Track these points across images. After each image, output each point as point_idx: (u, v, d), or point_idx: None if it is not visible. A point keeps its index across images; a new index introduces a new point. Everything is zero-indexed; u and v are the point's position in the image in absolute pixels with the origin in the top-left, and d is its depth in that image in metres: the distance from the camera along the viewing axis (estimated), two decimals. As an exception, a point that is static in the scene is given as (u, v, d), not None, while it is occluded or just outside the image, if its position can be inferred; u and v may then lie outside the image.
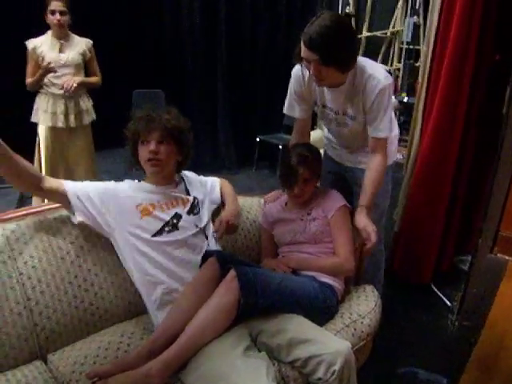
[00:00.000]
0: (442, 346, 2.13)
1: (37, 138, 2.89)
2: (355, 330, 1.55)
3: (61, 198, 1.46)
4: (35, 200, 2.84)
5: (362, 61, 1.66)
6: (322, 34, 1.44)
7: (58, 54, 2.73)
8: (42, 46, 2.73)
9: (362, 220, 1.62)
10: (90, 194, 1.48)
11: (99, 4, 4.55)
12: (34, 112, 2.84)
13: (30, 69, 2.76)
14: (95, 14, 4.55)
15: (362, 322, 1.58)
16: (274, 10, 4.60)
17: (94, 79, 2.95)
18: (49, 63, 2.63)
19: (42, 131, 2.86)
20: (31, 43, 2.72)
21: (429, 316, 2.37)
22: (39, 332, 1.39)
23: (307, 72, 1.66)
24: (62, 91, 2.74)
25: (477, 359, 1.43)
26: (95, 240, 1.54)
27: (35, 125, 2.85)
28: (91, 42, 2.92)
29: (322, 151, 1.89)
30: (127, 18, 4.77)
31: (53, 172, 2.84)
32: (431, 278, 2.58)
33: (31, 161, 3.06)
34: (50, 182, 1.45)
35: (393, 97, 1.78)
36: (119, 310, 1.54)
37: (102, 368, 1.22)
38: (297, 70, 1.77)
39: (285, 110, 1.89)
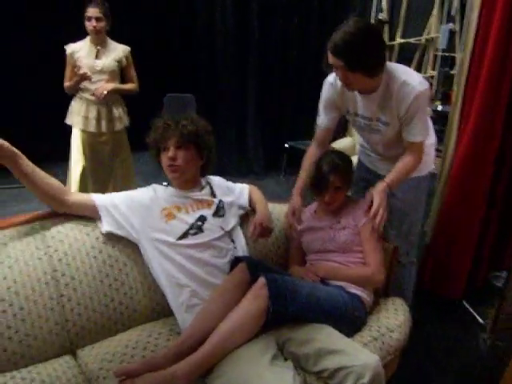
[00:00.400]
0: (472, 365, 2.06)
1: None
2: (383, 343, 1.52)
3: (89, 211, 1.52)
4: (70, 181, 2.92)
5: (395, 67, 1.66)
6: (346, 41, 1.47)
7: (93, 60, 2.76)
8: (80, 51, 2.77)
9: (376, 191, 1.58)
10: (117, 202, 1.53)
11: (132, 9, 4.67)
12: (68, 114, 2.89)
13: (67, 73, 2.81)
14: (128, 19, 4.67)
15: (390, 336, 1.55)
16: (306, 16, 4.60)
17: (129, 86, 2.95)
18: (84, 73, 2.66)
19: (74, 133, 2.90)
20: (70, 48, 2.77)
21: (459, 333, 2.29)
22: (70, 328, 1.43)
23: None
24: (94, 97, 2.77)
25: (509, 380, 1.38)
26: (126, 241, 1.57)
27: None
28: (129, 48, 2.92)
29: (355, 158, 1.88)
30: (160, 23, 4.88)
31: (83, 176, 2.87)
32: (463, 293, 2.50)
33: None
34: (76, 196, 1.53)
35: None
36: (147, 310, 1.57)
37: (129, 367, 1.24)
38: (330, 78, 1.78)
39: (319, 122, 1.91)
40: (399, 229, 1.93)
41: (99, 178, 2.95)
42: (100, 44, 2.79)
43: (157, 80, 4.76)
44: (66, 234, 1.50)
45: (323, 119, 1.87)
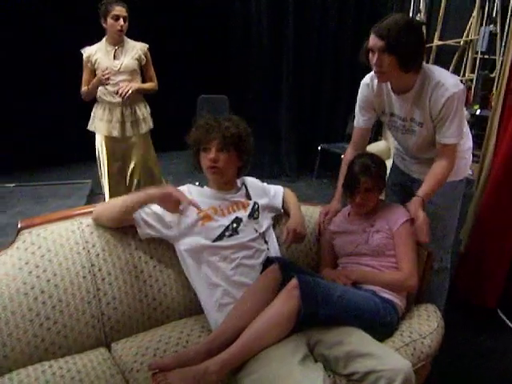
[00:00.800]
0: (505, 375, 2.01)
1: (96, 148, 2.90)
2: (415, 349, 1.50)
3: (127, 221, 1.53)
4: (103, 186, 2.94)
5: (431, 68, 1.66)
6: (391, 24, 1.52)
7: (112, 60, 2.67)
8: (97, 53, 2.68)
9: (415, 207, 1.60)
10: (152, 207, 1.54)
11: (166, 9, 4.75)
12: (90, 120, 2.82)
13: (84, 77, 2.72)
14: (162, 19, 4.76)
15: (422, 342, 1.53)
16: (342, 18, 4.57)
17: (150, 85, 2.84)
18: (104, 73, 2.55)
19: (98, 140, 2.84)
20: (86, 51, 2.69)
21: (493, 343, 2.23)
22: (106, 321, 1.47)
23: (375, 79, 1.72)
24: (118, 99, 2.67)
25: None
26: (162, 239, 1.60)
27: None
28: (147, 45, 2.81)
29: (389, 162, 1.86)
30: (194, 24, 4.94)
31: (113, 182, 2.85)
32: (498, 302, 2.43)
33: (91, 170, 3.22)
34: None
35: (464, 108, 1.72)
36: (180, 307, 1.60)
37: (162, 361, 1.27)
38: (366, 79, 1.81)
39: (355, 122, 1.92)
40: (433, 233, 1.88)
41: (130, 180, 2.90)
42: (118, 44, 2.69)
43: (191, 81, 4.84)
44: (103, 230, 1.55)
45: (359, 120, 1.89)
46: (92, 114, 2.82)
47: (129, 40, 2.76)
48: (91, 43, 2.73)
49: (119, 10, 2.58)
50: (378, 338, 1.43)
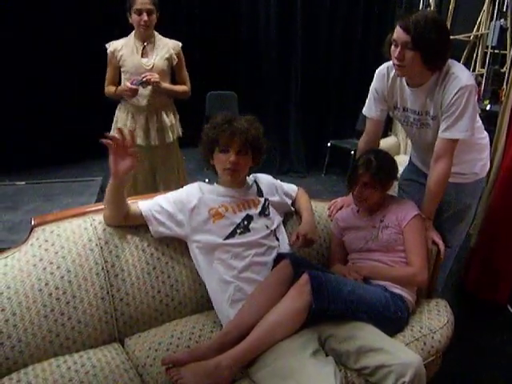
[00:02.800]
0: (512, 372, 2.01)
1: None
2: (425, 344, 1.51)
3: (139, 219, 1.54)
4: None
5: (450, 61, 1.64)
6: (419, 20, 1.49)
7: (139, 58, 2.41)
8: (123, 49, 2.43)
9: (436, 235, 1.71)
10: (164, 205, 1.54)
11: (174, 5, 4.71)
12: (113, 125, 2.57)
13: (109, 74, 2.50)
14: (170, 16, 4.72)
15: (432, 337, 1.54)
16: (351, 15, 4.54)
17: (181, 88, 2.54)
18: (135, 89, 2.32)
19: None
20: (112, 46, 2.45)
21: (503, 339, 2.23)
22: (119, 317, 1.49)
23: (393, 72, 1.70)
24: (143, 102, 2.42)
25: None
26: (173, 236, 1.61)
27: None
28: (180, 44, 2.53)
29: (399, 158, 1.86)
30: (203, 20, 4.91)
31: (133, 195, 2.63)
32: (508, 298, 2.43)
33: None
34: (130, 208, 1.54)
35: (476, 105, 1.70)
36: (192, 302, 1.62)
37: (176, 356, 1.29)
38: (382, 68, 1.79)
39: (364, 110, 1.90)
40: (455, 230, 1.92)
41: (149, 190, 2.60)
42: (147, 40, 2.43)
43: (200, 77, 4.83)
44: (116, 227, 1.57)
45: (371, 110, 1.86)
46: (115, 118, 2.57)
47: (161, 37, 2.49)
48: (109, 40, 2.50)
49: (141, 2, 2.32)
50: (389, 332, 1.43)
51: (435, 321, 1.60)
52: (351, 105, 4.69)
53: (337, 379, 1.20)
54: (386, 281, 1.59)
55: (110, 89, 2.50)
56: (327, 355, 1.35)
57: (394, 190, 2.08)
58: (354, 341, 1.33)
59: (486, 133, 1.88)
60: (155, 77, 2.34)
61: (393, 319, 1.50)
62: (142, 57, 2.43)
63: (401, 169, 2.10)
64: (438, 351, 1.54)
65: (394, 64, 1.61)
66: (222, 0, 4.74)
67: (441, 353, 1.57)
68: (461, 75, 1.58)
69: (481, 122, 1.83)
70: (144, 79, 2.33)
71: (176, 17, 4.80)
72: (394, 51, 1.56)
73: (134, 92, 2.36)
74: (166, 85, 2.47)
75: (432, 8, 4.39)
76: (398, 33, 1.53)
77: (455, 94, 1.57)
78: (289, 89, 4.59)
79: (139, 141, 2.47)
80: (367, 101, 1.87)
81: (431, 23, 1.50)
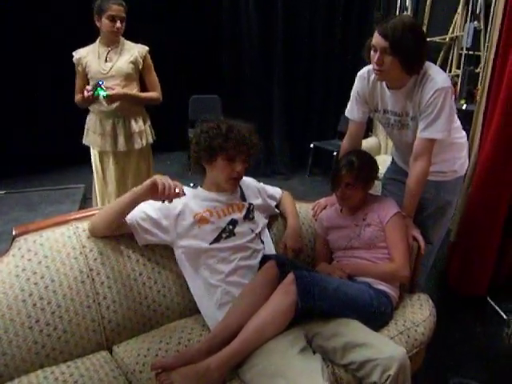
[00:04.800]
0: (495, 359, 2.08)
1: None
2: (409, 337, 1.55)
3: (124, 228, 1.52)
4: (94, 201, 2.72)
5: (427, 64, 1.68)
6: (397, 26, 1.54)
7: (103, 63, 2.36)
8: (88, 55, 2.39)
9: (416, 232, 1.75)
10: (148, 212, 1.52)
11: (156, 8, 4.71)
12: (84, 133, 2.53)
13: (77, 82, 2.44)
14: (153, 19, 4.69)
15: (415, 330, 1.58)
16: (331, 17, 4.60)
17: (148, 95, 2.46)
18: (88, 96, 2.25)
19: (92, 155, 2.55)
20: (77, 53, 2.41)
21: (483, 328, 2.31)
22: (106, 324, 1.48)
23: (373, 75, 1.74)
24: (109, 108, 2.36)
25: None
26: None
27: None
28: (146, 48, 2.45)
29: (380, 158, 1.90)
30: (184, 23, 4.90)
31: (105, 201, 2.56)
32: (487, 290, 2.50)
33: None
34: None
35: (454, 106, 1.75)
36: (180, 307, 1.62)
37: (165, 360, 1.29)
38: (363, 72, 1.83)
39: (346, 112, 1.94)
40: (437, 225, 1.98)
41: (105, 190, 2.60)
42: (112, 45, 2.38)
43: (182, 81, 4.83)
44: (100, 235, 1.56)
45: (353, 112, 1.90)
46: (85, 126, 2.53)
47: (127, 41, 2.43)
48: (84, 44, 2.45)
49: (116, 9, 2.26)
50: (374, 327, 1.46)
51: (418, 314, 1.65)
52: (333, 107, 4.76)
53: (324, 375, 1.22)
54: (370, 277, 1.62)
55: (77, 97, 2.46)
56: (315, 352, 1.37)
57: (377, 190, 2.12)
58: (340, 337, 1.36)
59: (464, 132, 1.93)
60: (109, 91, 2.26)
61: (377, 314, 1.53)
62: (106, 62, 2.38)
63: (382, 168, 2.14)
64: (422, 343, 1.58)
65: (373, 69, 1.65)
66: (204, 4, 4.75)
67: (424, 345, 1.61)
68: (437, 77, 1.63)
69: (459, 121, 1.88)
70: (99, 86, 2.27)
71: (158, 21, 4.80)
72: (374, 56, 1.61)
73: (93, 97, 2.30)
74: (128, 92, 2.38)
75: (409, 11, 4.49)
76: (377, 39, 1.58)
77: (432, 96, 1.62)
78: (272, 91, 4.63)
79: (107, 147, 2.46)
80: (349, 103, 1.91)
81: (408, 29, 1.54)
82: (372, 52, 1.62)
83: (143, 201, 1.46)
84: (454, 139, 1.84)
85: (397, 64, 1.58)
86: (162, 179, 1.39)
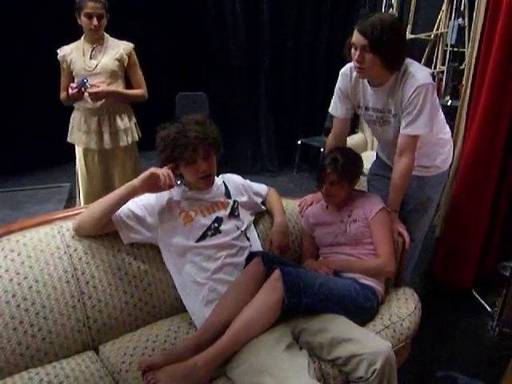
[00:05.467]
0: (481, 352, 2.11)
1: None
2: (394, 331, 1.57)
3: (110, 226, 1.51)
4: (78, 201, 2.70)
5: (408, 61, 1.70)
6: (376, 23, 1.55)
7: (88, 60, 2.35)
8: (73, 52, 2.37)
9: (401, 226, 1.77)
10: (133, 209, 1.52)
11: (143, 6, 4.67)
12: (69, 131, 2.50)
13: (62, 80, 2.42)
14: (138, 15, 4.65)
15: (401, 324, 1.60)
16: (317, 14, 4.60)
17: (134, 92, 2.45)
18: (73, 94, 2.24)
19: (77, 153, 2.52)
20: (62, 51, 2.39)
21: (469, 321, 2.34)
22: (92, 324, 1.47)
23: (355, 72, 1.75)
24: (94, 105, 2.35)
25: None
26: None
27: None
28: (132, 45, 2.44)
29: (366, 154, 1.91)
30: (171, 20, 4.85)
31: (89, 200, 2.48)
32: (472, 283, 2.54)
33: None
34: None
35: (437, 102, 1.76)
36: (166, 305, 1.61)
37: (151, 359, 1.28)
38: (345, 69, 1.84)
39: (330, 109, 1.95)
40: (420, 221, 2.00)
41: (90, 189, 2.56)
42: (97, 42, 2.37)
43: (169, 79, 4.79)
44: (85, 233, 1.54)
45: (337, 109, 1.91)
46: (70, 123, 2.51)
47: (112, 38, 2.42)
48: (70, 41, 2.42)
49: (92, 6, 2.24)
50: (360, 322, 1.48)
51: (403, 308, 1.66)
52: (319, 104, 4.77)
53: (310, 371, 1.23)
54: (356, 273, 1.64)
55: (62, 95, 2.43)
56: (301, 348, 1.38)
57: (363, 185, 2.14)
58: (326, 333, 1.37)
59: (447, 128, 1.95)
60: (97, 92, 2.26)
61: (363, 309, 1.54)
62: (90, 59, 2.37)
63: (368, 164, 2.16)
64: (408, 337, 1.60)
65: (354, 67, 1.66)
66: (190, 1, 4.72)
67: (410, 339, 1.63)
68: (417, 75, 1.64)
69: (443, 117, 1.90)
70: (84, 86, 2.26)
71: (144, 18, 4.75)
72: (354, 54, 1.62)
73: (79, 95, 2.28)
74: (114, 89, 2.37)
75: (394, 8, 4.52)
76: (357, 37, 1.59)
77: (413, 93, 1.63)
78: (258, 89, 4.61)
79: (92, 144, 2.43)
80: (332, 100, 1.92)
81: (387, 26, 1.55)
82: (352, 50, 1.63)
83: (138, 194, 1.47)
84: (437, 135, 1.86)
85: (377, 61, 1.59)
86: (160, 170, 1.44)
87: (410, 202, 1.91)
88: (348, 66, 1.82)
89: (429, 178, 1.91)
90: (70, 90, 2.27)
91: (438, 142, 1.89)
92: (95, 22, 2.27)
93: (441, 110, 1.89)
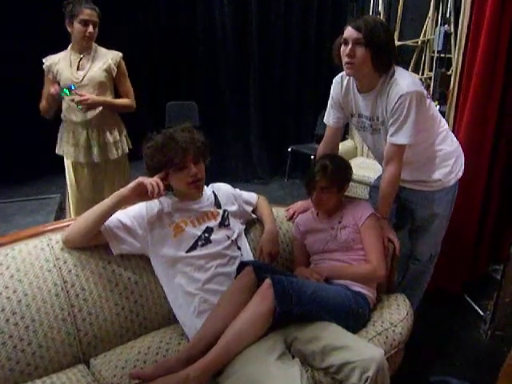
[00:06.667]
0: (474, 356, 2.11)
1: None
2: (387, 338, 1.57)
3: (99, 238, 1.50)
4: (68, 212, 2.67)
5: (396, 68, 1.69)
6: (369, 20, 1.59)
7: (75, 71, 2.28)
8: (60, 62, 2.31)
9: (392, 234, 1.78)
10: (123, 221, 1.51)
11: (132, 15, 4.66)
12: (58, 143, 2.46)
13: (44, 91, 2.35)
14: (127, 25, 4.65)
15: (393, 331, 1.60)
16: (305, 23, 4.64)
17: (122, 102, 2.40)
18: (52, 93, 2.21)
19: (66, 165, 2.48)
20: (48, 60, 2.33)
21: (461, 325, 2.34)
22: (82, 337, 1.45)
23: (346, 80, 1.76)
24: (82, 118, 2.31)
25: (509, 369, 1.41)
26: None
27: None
28: (120, 54, 2.38)
29: (355, 160, 1.91)
30: (160, 29, 4.86)
31: (79, 212, 2.33)
32: (464, 287, 2.55)
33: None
34: None
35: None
36: (158, 317, 1.60)
37: (143, 371, 1.27)
38: (337, 77, 1.85)
39: (324, 118, 1.96)
40: (434, 235, 2.00)
41: (80, 203, 2.51)
42: (85, 52, 2.31)
43: (159, 88, 4.79)
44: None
45: (329, 118, 1.92)
46: (58, 136, 2.47)
47: (100, 48, 2.36)
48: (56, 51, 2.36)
49: (89, 14, 2.19)
50: (352, 329, 1.47)
51: (395, 314, 1.66)
52: (309, 111, 4.80)
53: (303, 380, 1.22)
54: (347, 279, 1.64)
55: (42, 103, 2.35)
56: (294, 357, 1.37)
57: (353, 192, 2.13)
58: (319, 341, 1.36)
59: (453, 139, 1.91)
60: (87, 99, 2.21)
61: (355, 316, 1.54)
62: (78, 69, 2.30)
63: (358, 171, 2.17)
64: (400, 343, 1.60)
65: (344, 64, 1.64)
66: (179, 10, 4.74)
67: (402, 345, 1.63)
68: (401, 82, 1.62)
69: (446, 128, 1.87)
70: (75, 100, 2.21)
71: (135, 28, 4.76)
72: (345, 50, 1.61)
73: (54, 96, 2.24)
74: (104, 99, 2.33)
75: (381, 15, 4.57)
76: (349, 32, 1.59)
77: (396, 102, 1.62)
78: (248, 97, 4.63)
79: (81, 158, 2.39)
80: (327, 109, 1.93)
81: (380, 24, 1.59)
82: (343, 46, 1.62)
83: (126, 204, 1.46)
84: (437, 146, 1.83)
85: (368, 57, 1.58)
86: (148, 179, 1.43)
87: (411, 218, 1.92)
88: (340, 74, 1.83)
89: (432, 193, 1.87)
90: (52, 89, 2.21)
91: (436, 155, 1.83)
92: (90, 29, 2.22)
93: (443, 120, 1.86)
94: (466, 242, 2.44)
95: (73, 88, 2.23)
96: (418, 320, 1.74)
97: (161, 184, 1.45)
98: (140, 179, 1.45)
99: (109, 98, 2.39)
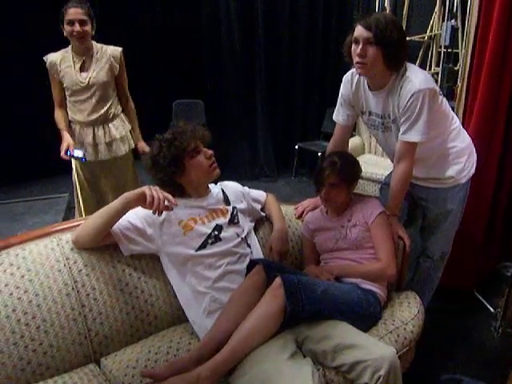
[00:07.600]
0: (485, 353, 2.10)
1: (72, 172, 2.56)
2: (398, 336, 1.56)
3: (108, 239, 1.49)
4: (77, 212, 2.68)
5: (408, 65, 1.67)
6: (380, 18, 1.55)
7: (78, 73, 2.30)
8: (61, 63, 2.31)
9: (401, 230, 1.76)
10: (132, 221, 1.50)
11: (139, 14, 4.69)
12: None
13: (54, 92, 2.38)
14: (134, 24, 4.68)
15: (404, 329, 1.59)
16: (311, 20, 4.62)
17: (134, 118, 2.52)
18: (62, 156, 2.25)
19: (73, 164, 2.49)
20: (49, 58, 2.32)
21: (472, 323, 2.33)
22: (93, 337, 1.46)
23: (356, 78, 1.74)
24: (88, 118, 2.35)
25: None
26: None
27: None
28: (119, 49, 2.38)
29: (363, 157, 1.90)
30: (167, 29, 4.88)
31: (88, 211, 2.48)
32: (474, 284, 2.53)
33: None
34: None
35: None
36: (168, 316, 1.60)
37: (155, 371, 1.28)
38: (347, 75, 1.83)
39: (333, 116, 1.94)
40: (446, 233, 1.98)
41: (89, 201, 2.57)
42: (85, 52, 2.31)
43: (165, 86, 4.79)
44: (84, 246, 1.53)
45: (338, 116, 1.91)
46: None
47: (99, 45, 2.36)
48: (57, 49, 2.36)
49: (73, 12, 2.16)
50: (363, 328, 1.47)
51: (406, 312, 1.65)
52: (316, 108, 4.79)
53: (314, 380, 1.22)
54: (357, 277, 1.63)
55: (57, 117, 2.40)
56: (305, 356, 1.37)
57: (361, 189, 2.12)
58: (330, 340, 1.35)
59: (466, 136, 1.89)
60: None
61: (366, 315, 1.53)
62: (81, 71, 2.32)
63: (366, 168, 2.15)
64: (411, 341, 1.59)
65: (355, 63, 1.62)
66: (186, 9, 4.74)
67: (414, 343, 1.62)
68: (414, 80, 1.60)
69: (458, 125, 1.85)
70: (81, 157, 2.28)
71: (142, 27, 4.77)
72: (356, 49, 1.58)
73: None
74: (143, 145, 2.48)
75: (388, 11, 4.53)
76: (360, 31, 1.56)
77: (409, 99, 1.60)
78: (255, 95, 4.63)
79: (88, 156, 2.39)
80: (336, 106, 1.91)
81: (391, 22, 1.56)
82: (353, 46, 1.60)
83: (134, 207, 1.45)
84: (449, 143, 1.81)
85: (379, 56, 1.56)
86: (151, 191, 1.38)
87: (427, 215, 1.91)
88: (350, 71, 1.81)
89: (445, 190, 1.86)
90: (63, 154, 2.27)
91: (448, 152, 1.81)
92: (77, 27, 2.19)
93: (455, 116, 1.84)
94: (477, 239, 2.42)
95: (83, 160, 2.33)
96: (429, 318, 1.73)
97: (170, 197, 1.41)
98: (143, 189, 1.40)
99: (136, 130, 2.54)
